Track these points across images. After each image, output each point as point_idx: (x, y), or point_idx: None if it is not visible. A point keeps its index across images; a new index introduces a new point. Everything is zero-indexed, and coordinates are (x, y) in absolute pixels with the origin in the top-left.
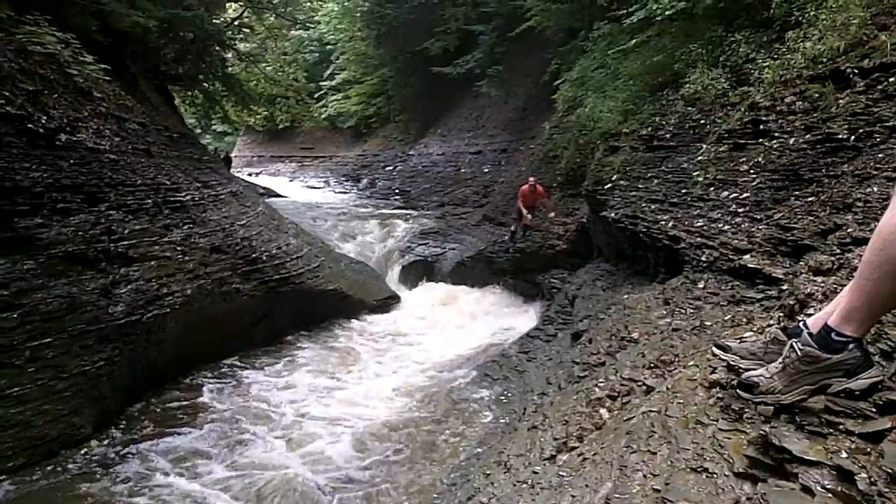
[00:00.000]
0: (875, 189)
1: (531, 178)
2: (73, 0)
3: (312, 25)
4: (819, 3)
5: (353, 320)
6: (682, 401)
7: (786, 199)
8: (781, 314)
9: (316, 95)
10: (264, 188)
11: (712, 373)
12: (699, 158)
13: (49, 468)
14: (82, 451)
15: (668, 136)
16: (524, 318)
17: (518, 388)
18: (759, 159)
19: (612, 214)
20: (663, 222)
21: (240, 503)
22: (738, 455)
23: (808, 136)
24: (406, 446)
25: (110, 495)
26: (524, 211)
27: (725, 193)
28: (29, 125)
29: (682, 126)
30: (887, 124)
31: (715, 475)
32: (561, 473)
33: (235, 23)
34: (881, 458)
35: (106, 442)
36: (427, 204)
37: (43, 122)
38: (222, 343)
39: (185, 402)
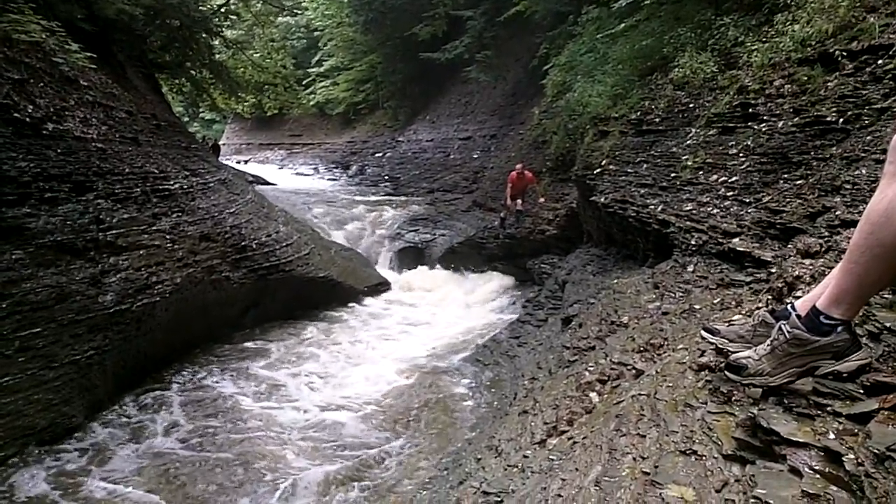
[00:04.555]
0: (864, 171)
1: (518, 165)
2: None
3: (300, 12)
4: None
5: (343, 307)
6: (671, 384)
7: (774, 183)
8: (770, 297)
9: (304, 82)
10: (253, 176)
11: (701, 356)
12: (688, 142)
13: (40, 458)
14: (73, 441)
15: (657, 120)
16: (514, 304)
17: (509, 373)
18: (748, 143)
19: (602, 199)
20: (652, 206)
21: (231, 495)
22: (726, 437)
23: (796, 119)
24: (396, 432)
25: (102, 484)
26: (508, 200)
27: (714, 177)
28: (15, 114)
29: (671, 110)
30: (876, 107)
31: (704, 457)
32: (551, 457)
33: (222, 10)
34: (868, 438)
35: (97, 431)
36: (416, 190)
37: (29, 111)
38: (212, 331)
39: (174, 391)
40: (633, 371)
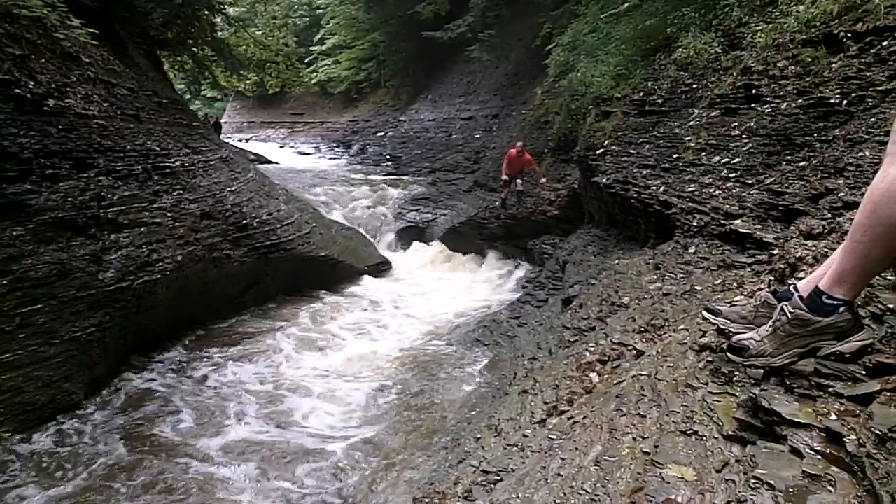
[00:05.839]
0: (867, 153)
1: (518, 144)
2: None
3: None
4: None
5: (343, 286)
6: (672, 364)
7: (777, 164)
8: (772, 278)
9: (306, 60)
10: (255, 154)
11: (702, 336)
12: (691, 123)
13: (41, 434)
14: (74, 417)
15: (660, 100)
16: (515, 284)
17: (509, 354)
18: (751, 124)
19: (604, 180)
20: (654, 187)
21: (229, 468)
22: (727, 418)
23: (800, 100)
24: (397, 411)
25: (101, 462)
26: (504, 176)
27: (717, 158)
28: (16, 90)
29: (674, 91)
30: (879, 88)
31: (704, 438)
32: (551, 437)
33: None
34: (870, 419)
35: (97, 408)
36: (418, 170)
37: (30, 87)
38: (213, 309)
39: (175, 368)
40: (634, 351)
